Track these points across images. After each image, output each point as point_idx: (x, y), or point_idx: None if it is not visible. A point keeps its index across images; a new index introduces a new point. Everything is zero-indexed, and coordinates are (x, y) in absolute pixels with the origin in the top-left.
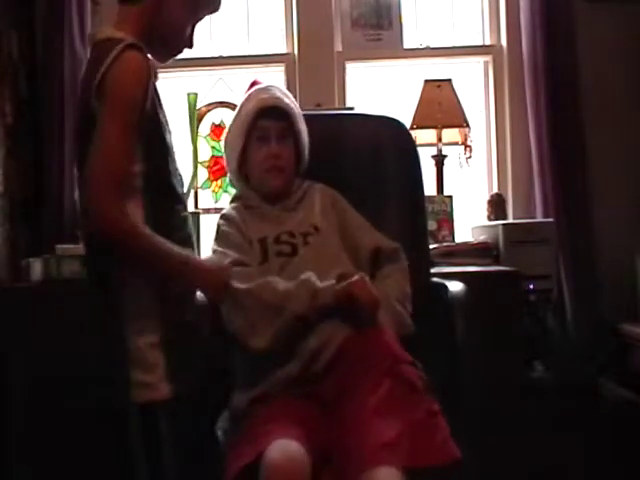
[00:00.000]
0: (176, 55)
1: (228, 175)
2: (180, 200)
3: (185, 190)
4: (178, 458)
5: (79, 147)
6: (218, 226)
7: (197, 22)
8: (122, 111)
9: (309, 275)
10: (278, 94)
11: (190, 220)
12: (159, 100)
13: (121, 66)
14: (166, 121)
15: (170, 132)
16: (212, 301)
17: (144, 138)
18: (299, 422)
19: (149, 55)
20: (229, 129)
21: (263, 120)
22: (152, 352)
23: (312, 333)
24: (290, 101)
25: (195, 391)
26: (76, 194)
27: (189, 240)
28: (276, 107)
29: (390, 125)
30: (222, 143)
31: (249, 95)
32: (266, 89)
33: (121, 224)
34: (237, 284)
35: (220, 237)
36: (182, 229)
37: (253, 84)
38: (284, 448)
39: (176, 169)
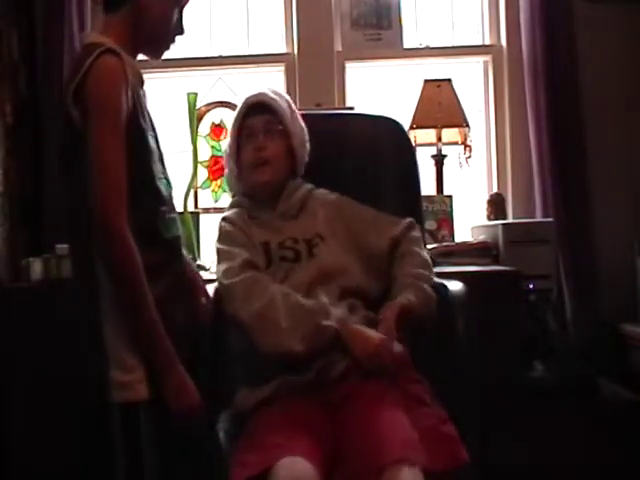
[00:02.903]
0: (170, 46)
1: (226, 182)
2: (165, 202)
3: (173, 192)
4: (163, 459)
5: (63, 153)
6: (220, 227)
7: (183, 7)
8: (109, 120)
9: (316, 310)
10: (264, 91)
11: (178, 222)
12: (141, 104)
13: (96, 73)
14: (149, 125)
15: (154, 136)
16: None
17: (126, 141)
18: (307, 429)
19: (143, 55)
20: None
21: (249, 118)
22: (131, 353)
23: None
24: (278, 97)
25: None
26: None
27: (176, 242)
28: (260, 103)
29: (387, 125)
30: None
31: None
32: (255, 91)
33: (129, 240)
34: (240, 313)
35: (224, 237)
36: (168, 231)
37: None
38: (292, 469)
39: (162, 172)
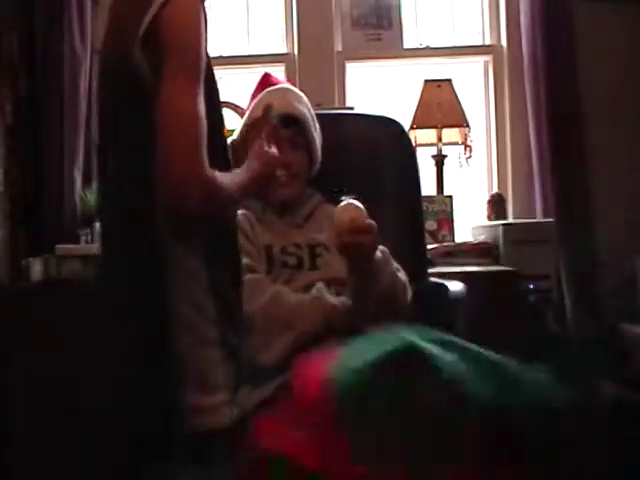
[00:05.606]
0: None
1: None
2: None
3: None
4: None
5: (115, 125)
6: None
7: None
8: (192, 64)
9: (321, 289)
10: (289, 99)
11: None
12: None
13: (176, 9)
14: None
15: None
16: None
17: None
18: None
19: None
20: (240, 130)
21: None
22: (214, 367)
23: (319, 342)
24: (302, 104)
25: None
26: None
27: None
28: (286, 114)
29: (388, 125)
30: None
31: (260, 98)
32: (277, 93)
33: (208, 186)
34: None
35: None
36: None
37: (265, 77)
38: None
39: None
